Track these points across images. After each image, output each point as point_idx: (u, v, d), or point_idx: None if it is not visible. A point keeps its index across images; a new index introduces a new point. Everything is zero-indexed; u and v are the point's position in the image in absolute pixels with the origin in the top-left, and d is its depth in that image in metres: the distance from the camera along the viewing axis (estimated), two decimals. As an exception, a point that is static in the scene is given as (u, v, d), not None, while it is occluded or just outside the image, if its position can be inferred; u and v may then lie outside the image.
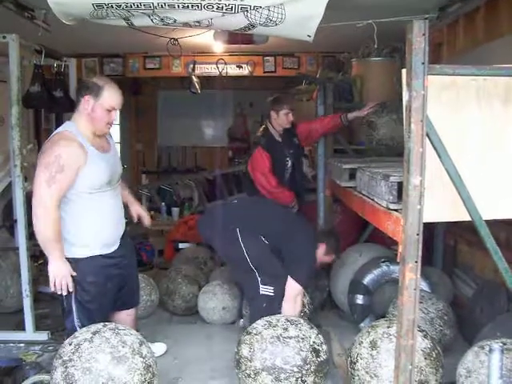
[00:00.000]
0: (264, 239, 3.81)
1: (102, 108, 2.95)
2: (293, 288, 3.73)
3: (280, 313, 3.68)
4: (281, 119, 4.71)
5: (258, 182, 4.65)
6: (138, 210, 3.59)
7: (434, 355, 2.90)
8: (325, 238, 3.95)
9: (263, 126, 4.89)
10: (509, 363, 2.48)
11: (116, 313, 3.35)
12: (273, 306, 3.73)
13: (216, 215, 4.03)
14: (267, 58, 7.25)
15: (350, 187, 3.72)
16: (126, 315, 3.39)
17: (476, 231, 2.38)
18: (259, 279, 3.76)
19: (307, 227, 4.04)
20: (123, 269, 3.22)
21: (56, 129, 3.09)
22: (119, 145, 10.08)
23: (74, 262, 2.98)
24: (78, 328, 3.02)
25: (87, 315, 3.06)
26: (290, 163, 4.78)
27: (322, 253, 3.89)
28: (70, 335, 2.86)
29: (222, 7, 3.18)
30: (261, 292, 3.77)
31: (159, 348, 3.76)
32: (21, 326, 3.91)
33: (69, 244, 2.99)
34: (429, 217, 2.33)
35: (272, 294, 3.75)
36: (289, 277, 3.73)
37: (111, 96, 2.97)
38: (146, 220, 3.60)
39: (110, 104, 2.98)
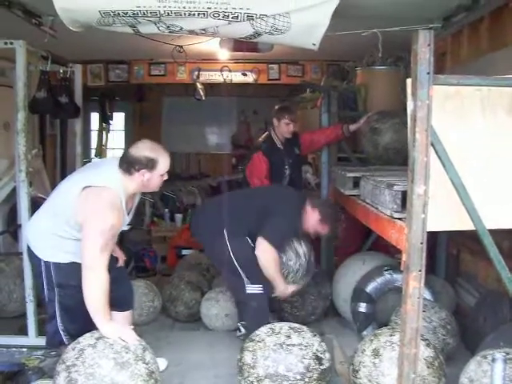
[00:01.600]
0: (250, 241, 3.77)
1: (157, 175, 3.11)
2: (259, 244, 3.67)
3: (272, 310, 3.74)
4: (281, 128, 4.76)
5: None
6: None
7: (437, 364, 2.89)
8: (321, 205, 3.90)
9: (266, 133, 4.92)
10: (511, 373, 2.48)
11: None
12: (263, 303, 3.78)
13: (204, 214, 4.10)
14: (272, 65, 7.29)
15: (354, 195, 3.72)
16: (121, 317, 3.31)
17: (479, 240, 2.39)
18: (245, 280, 3.79)
19: (292, 193, 4.05)
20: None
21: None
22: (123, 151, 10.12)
23: (57, 267, 3.00)
24: (61, 332, 3.08)
25: (71, 319, 3.07)
26: (288, 171, 4.81)
27: (314, 219, 3.84)
28: (52, 340, 2.98)
29: (228, 15, 3.21)
30: (247, 291, 3.79)
31: (160, 364, 3.71)
32: (23, 331, 3.92)
33: (55, 249, 3.00)
34: (433, 226, 2.34)
35: (260, 292, 3.78)
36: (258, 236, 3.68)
37: (165, 163, 3.13)
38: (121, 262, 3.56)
39: (165, 170, 3.14)
